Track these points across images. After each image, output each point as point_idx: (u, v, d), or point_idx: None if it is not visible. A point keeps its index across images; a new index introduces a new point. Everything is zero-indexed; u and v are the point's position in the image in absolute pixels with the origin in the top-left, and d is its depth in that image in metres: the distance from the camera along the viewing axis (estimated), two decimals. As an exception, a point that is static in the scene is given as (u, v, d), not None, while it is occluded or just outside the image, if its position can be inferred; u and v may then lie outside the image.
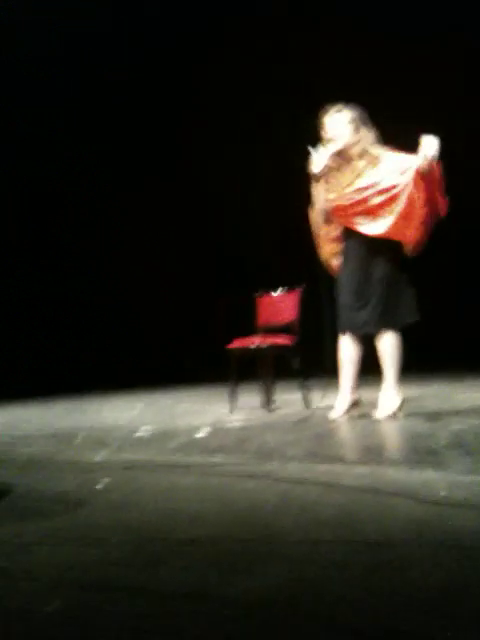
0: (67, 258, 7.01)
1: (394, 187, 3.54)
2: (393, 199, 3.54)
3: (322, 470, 2.44)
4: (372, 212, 3.59)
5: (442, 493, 1.99)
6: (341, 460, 2.62)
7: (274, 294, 4.91)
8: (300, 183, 3.82)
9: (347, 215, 3.65)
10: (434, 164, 3.48)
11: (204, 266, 7.09)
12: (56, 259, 6.98)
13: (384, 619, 1.24)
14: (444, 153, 3.52)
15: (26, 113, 6.54)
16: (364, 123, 3.66)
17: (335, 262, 3.81)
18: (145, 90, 6.87)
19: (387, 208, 3.55)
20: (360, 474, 2.33)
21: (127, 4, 6.47)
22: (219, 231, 6.91)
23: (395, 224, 3.55)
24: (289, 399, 4.86)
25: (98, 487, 2.36)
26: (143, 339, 7.06)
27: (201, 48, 6.63)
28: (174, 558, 1.64)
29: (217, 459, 2.80)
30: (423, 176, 3.49)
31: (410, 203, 3.52)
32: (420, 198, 3.53)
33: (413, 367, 4.25)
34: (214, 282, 6.99)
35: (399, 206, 3.53)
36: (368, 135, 3.65)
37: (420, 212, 3.55)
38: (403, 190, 3.52)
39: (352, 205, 3.62)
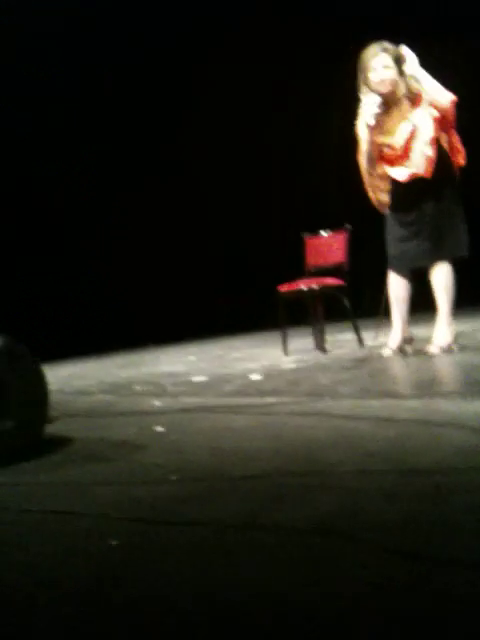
0: (117, 222, 7.10)
1: (408, 139, 3.51)
2: (420, 140, 3.51)
3: (374, 405, 2.47)
4: (407, 157, 3.55)
5: (494, 420, 2.00)
6: (393, 395, 2.64)
7: (323, 235, 4.88)
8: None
9: (390, 163, 3.62)
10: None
11: (254, 207, 7.07)
12: (107, 223, 7.09)
13: (435, 544, 1.27)
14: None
15: (25, 112, 6.60)
16: (405, 60, 3.55)
17: (385, 199, 3.75)
18: (144, 90, 6.83)
19: (418, 150, 3.51)
20: (412, 407, 2.35)
21: (126, 4, 6.40)
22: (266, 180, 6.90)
23: (428, 160, 3.50)
24: (342, 339, 4.88)
25: (157, 431, 2.45)
26: (194, 292, 7.15)
27: (201, 48, 6.53)
28: (230, 493, 1.71)
29: (271, 400, 2.86)
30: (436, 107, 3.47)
31: (433, 138, 3.49)
32: (438, 128, 3.50)
33: (468, 300, 4.21)
34: (264, 225, 6.98)
35: (427, 145, 3.49)
36: (410, 72, 3.54)
37: (445, 139, 3.52)
38: (422, 127, 3.49)
39: (395, 156, 3.59)
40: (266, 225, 6.87)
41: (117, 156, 6.90)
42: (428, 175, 3.52)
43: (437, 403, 2.36)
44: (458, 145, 3.59)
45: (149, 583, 1.25)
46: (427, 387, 2.73)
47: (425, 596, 1.08)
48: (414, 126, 3.53)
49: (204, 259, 7.21)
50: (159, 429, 2.44)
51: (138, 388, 3.63)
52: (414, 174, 3.55)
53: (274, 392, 3.04)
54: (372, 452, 1.87)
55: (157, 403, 3.05)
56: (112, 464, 2.10)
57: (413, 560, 1.21)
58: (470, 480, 1.53)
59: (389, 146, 3.60)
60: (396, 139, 3.59)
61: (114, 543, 1.44)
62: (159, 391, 3.43)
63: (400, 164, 3.60)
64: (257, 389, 3.19)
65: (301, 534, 1.38)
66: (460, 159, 3.59)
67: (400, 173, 3.60)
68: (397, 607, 1.06)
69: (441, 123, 3.51)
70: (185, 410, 2.81)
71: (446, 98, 3.48)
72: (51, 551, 1.45)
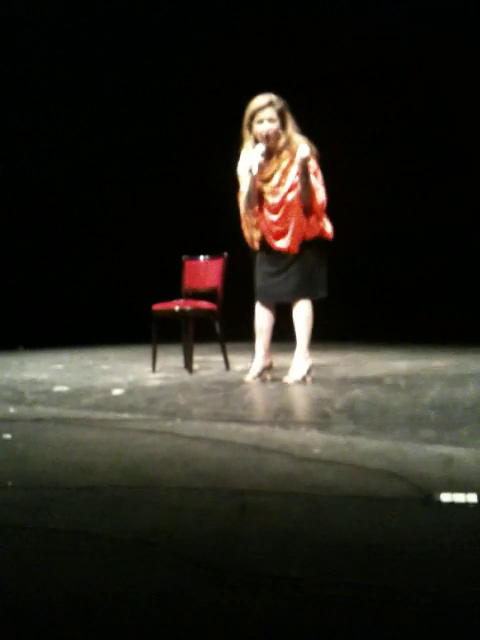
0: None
1: (288, 203, 3.82)
2: (286, 215, 3.83)
3: (218, 428, 2.64)
4: (278, 223, 3.86)
5: (316, 451, 2.21)
6: (239, 420, 2.81)
7: (200, 259, 5.06)
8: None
9: (264, 223, 3.91)
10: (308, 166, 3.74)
11: (136, 228, 7.18)
12: None
13: (235, 557, 1.43)
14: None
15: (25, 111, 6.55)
16: (288, 113, 3.82)
17: (258, 236, 3.99)
18: (143, 89, 6.91)
19: (285, 222, 3.83)
20: (250, 433, 2.53)
21: (125, 5, 6.48)
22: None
23: (293, 236, 3.82)
24: (212, 361, 5.06)
25: (4, 438, 2.50)
26: (74, 299, 7.14)
27: (198, 47, 6.68)
28: (62, 502, 1.81)
29: (125, 416, 2.96)
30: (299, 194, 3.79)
31: (297, 220, 3.81)
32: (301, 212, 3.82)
33: (325, 336, 4.51)
34: (146, 244, 7.11)
35: (291, 224, 3.81)
36: (291, 125, 3.81)
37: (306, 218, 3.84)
38: (290, 206, 3.82)
39: (267, 220, 3.89)
40: (156, 243, 7.00)
41: (110, 156, 6.86)
42: (293, 251, 3.83)
43: (272, 431, 2.56)
44: (325, 226, 3.89)
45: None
46: (270, 415, 2.94)
47: (206, 603, 1.23)
48: (291, 184, 3.81)
49: (90, 268, 7.24)
50: (5, 436, 2.50)
51: (-4, 393, 3.64)
52: (284, 249, 3.85)
53: (130, 408, 3.15)
54: (201, 472, 2.03)
55: (11, 410, 3.08)
56: None
57: (206, 571, 1.36)
58: (275, 503, 1.72)
59: (269, 194, 3.87)
60: (276, 188, 3.85)
61: None
62: (16, 398, 3.46)
63: (277, 228, 3.86)
64: (115, 404, 3.29)
65: (122, 543, 1.51)
66: (326, 234, 3.90)
67: (276, 244, 3.88)
68: (182, 612, 1.21)
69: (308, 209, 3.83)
70: (37, 420, 2.87)
71: (317, 200, 3.79)
72: None
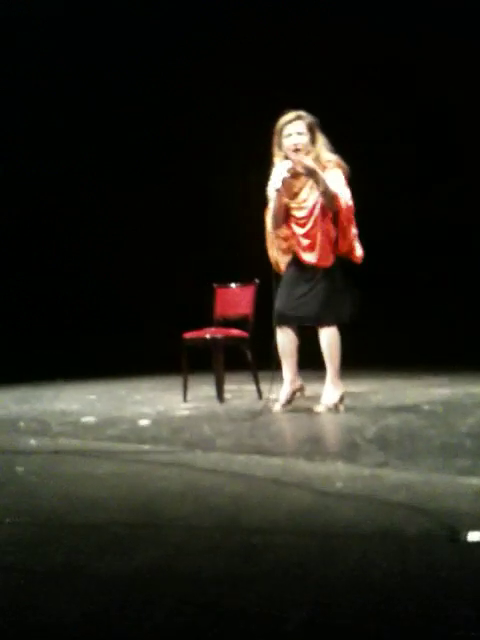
0: (30, 248, 7.08)
1: (316, 216, 3.72)
2: (314, 227, 3.73)
3: (239, 460, 2.51)
4: (306, 236, 3.76)
5: (338, 484, 2.07)
6: (261, 451, 2.69)
7: (232, 287, 4.98)
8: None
9: (294, 238, 3.81)
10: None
11: (167, 257, 7.17)
12: (19, 248, 7.06)
13: (234, 599, 1.31)
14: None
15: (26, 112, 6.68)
16: (318, 129, 3.74)
17: (283, 259, 3.89)
18: (143, 90, 6.98)
19: (313, 234, 3.73)
20: (272, 465, 2.40)
21: (125, 5, 6.59)
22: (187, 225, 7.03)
23: (321, 252, 3.71)
24: (245, 390, 4.94)
25: (18, 471, 2.43)
26: (110, 330, 7.15)
27: (199, 49, 6.73)
28: (60, 540, 1.71)
29: (146, 447, 2.87)
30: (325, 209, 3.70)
31: (325, 232, 3.71)
32: (330, 223, 3.73)
33: (372, 363, 4.35)
34: (177, 272, 7.08)
35: (319, 236, 3.71)
36: (321, 141, 3.73)
37: (333, 234, 3.74)
38: (318, 219, 3.71)
39: (294, 234, 3.80)
40: (187, 271, 6.97)
41: (111, 157, 6.92)
42: (322, 264, 3.72)
43: (295, 463, 2.43)
44: (353, 243, 3.77)
45: None
46: (296, 446, 2.80)
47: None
48: (319, 199, 3.70)
49: (125, 299, 7.24)
50: (18, 469, 2.42)
51: (22, 425, 3.59)
52: (313, 263, 3.74)
53: (153, 440, 3.05)
54: (212, 507, 1.91)
55: (32, 442, 3.02)
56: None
57: (211, 612, 1.25)
58: (284, 541, 1.59)
59: (296, 209, 3.77)
60: (302, 203, 3.76)
61: None
62: (41, 429, 3.40)
63: (307, 242, 3.75)
64: (138, 435, 3.20)
65: (118, 584, 1.40)
66: (354, 256, 3.78)
67: (305, 257, 3.78)
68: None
69: (337, 217, 3.72)
70: (57, 452, 2.80)
71: (342, 204, 3.68)
72: None
